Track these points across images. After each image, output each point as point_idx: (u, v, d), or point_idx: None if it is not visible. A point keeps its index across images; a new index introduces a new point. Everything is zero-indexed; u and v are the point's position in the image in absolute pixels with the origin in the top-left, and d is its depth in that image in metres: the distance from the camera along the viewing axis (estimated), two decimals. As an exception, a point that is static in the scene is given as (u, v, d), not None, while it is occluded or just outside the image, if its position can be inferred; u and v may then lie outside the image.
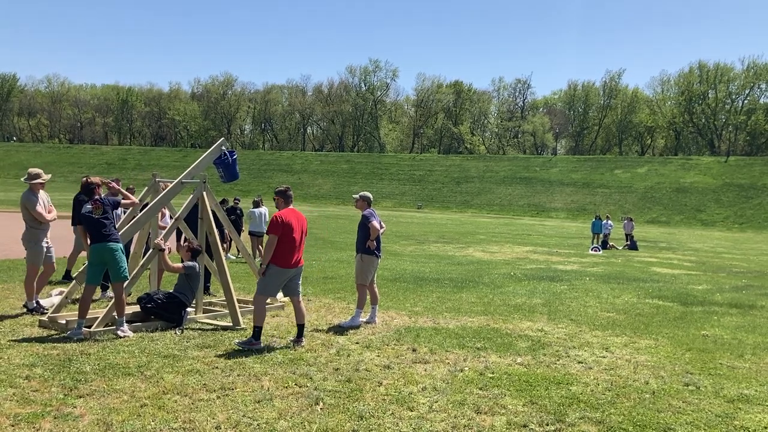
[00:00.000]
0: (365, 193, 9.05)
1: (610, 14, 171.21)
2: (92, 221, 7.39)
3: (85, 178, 7.93)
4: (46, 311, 8.27)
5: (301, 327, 7.32)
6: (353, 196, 9.18)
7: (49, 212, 8.54)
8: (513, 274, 15.23)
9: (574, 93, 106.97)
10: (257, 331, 7.04)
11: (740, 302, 12.19)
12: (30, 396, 5.13)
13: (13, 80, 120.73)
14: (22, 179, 8.58)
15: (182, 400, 5.18)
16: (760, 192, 69.65)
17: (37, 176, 8.46)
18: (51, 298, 8.97)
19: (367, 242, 8.60)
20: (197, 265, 8.41)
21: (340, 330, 8.10)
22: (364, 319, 8.63)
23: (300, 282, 7.57)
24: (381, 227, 8.84)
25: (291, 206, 7.46)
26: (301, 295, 7.55)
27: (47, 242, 8.60)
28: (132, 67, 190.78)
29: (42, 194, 8.58)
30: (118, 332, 7.24)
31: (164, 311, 7.94)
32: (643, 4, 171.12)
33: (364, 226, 8.71)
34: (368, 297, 8.85)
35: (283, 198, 7.44)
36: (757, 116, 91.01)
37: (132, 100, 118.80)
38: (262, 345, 6.99)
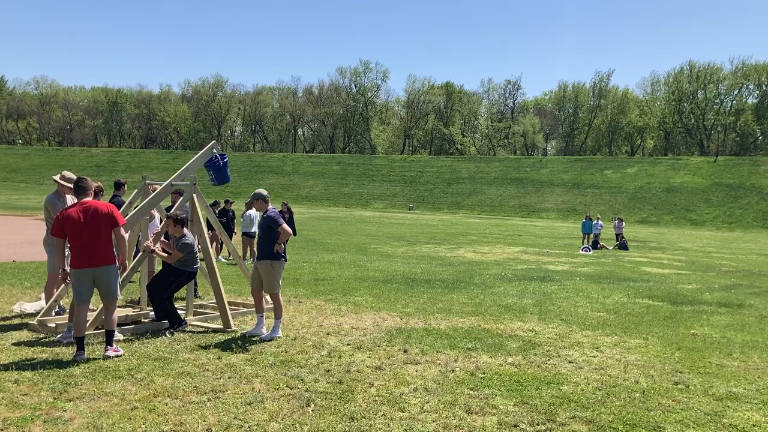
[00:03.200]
0: (259, 191, 8.08)
1: (601, 15, 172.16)
2: None
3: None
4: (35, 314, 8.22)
5: (109, 334, 6.60)
6: (252, 193, 8.28)
7: None
8: (504, 275, 15.27)
9: (563, 94, 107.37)
10: (79, 341, 6.45)
11: (729, 301, 12.27)
12: (19, 400, 5.10)
13: (0, 82, 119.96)
14: (55, 177, 8.42)
15: (173, 402, 5.16)
16: (748, 192, 70.13)
17: (69, 180, 8.21)
18: (40, 302, 8.92)
19: (275, 246, 7.74)
20: (190, 238, 8.12)
21: (330, 332, 8.10)
22: (262, 331, 7.77)
23: (110, 283, 6.65)
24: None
25: (87, 198, 6.74)
26: (115, 298, 6.76)
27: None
28: (121, 68, 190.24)
29: (69, 200, 8.40)
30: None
31: (175, 279, 7.99)
32: (634, 5, 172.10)
33: (270, 228, 7.77)
34: (253, 304, 8.29)
35: (75, 192, 6.85)
36: (745, 116, 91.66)
37: (122, 102, 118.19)
38: (86, 355, 6.40)
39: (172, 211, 8.85)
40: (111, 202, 12.03)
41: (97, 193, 7.72)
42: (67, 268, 6.73)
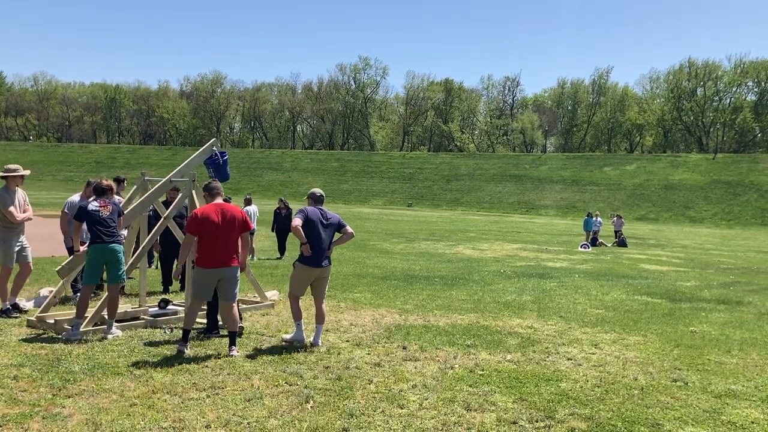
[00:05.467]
0: (312, 190, 7.79)
1: (600, 12, 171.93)
2: (98, 220, 7.30)
3: (100, 180, 7.86)
4: (23, 312, 8.19)
5: (232, 335, 6.74)
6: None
7: (24, 212, 8.44)
8: (503, 272, 15.27)
9: (562, 90, 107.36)
10: (185, 333, 6.65)
11: (728, 298, 12.28)
12: (18, 396, 5.10)
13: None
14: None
15: (172, 399, 5.16)
16: (747, 189, 70.20)
17: (15, 170, 8.32)
18: (39, 298, 8.91)
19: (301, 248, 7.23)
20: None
21: (329, 328, 8.09)
22: (310, 338, 7.33)
23: (232, 286, 6.83)
24: (320, 225, 7.25)
25: (218, 200, 6.96)
26: (236, 300, 6.88)
27: (21, 242, 8.51)
28: (120, 64, 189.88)
29: (19, 192, 8.44)
30: (108, 335, 7.17)
31: None
32: (634, 2, 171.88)
33: None
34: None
35: (207, 192, 7.08)
36: (744, 114, 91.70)
37: (120, 98, 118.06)
38: (187, 350, 6.52)
39: (170, 209, 8.84)
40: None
41: (107, 191, 7.65)
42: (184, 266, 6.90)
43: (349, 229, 7.49)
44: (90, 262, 7.34)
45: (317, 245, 7.15)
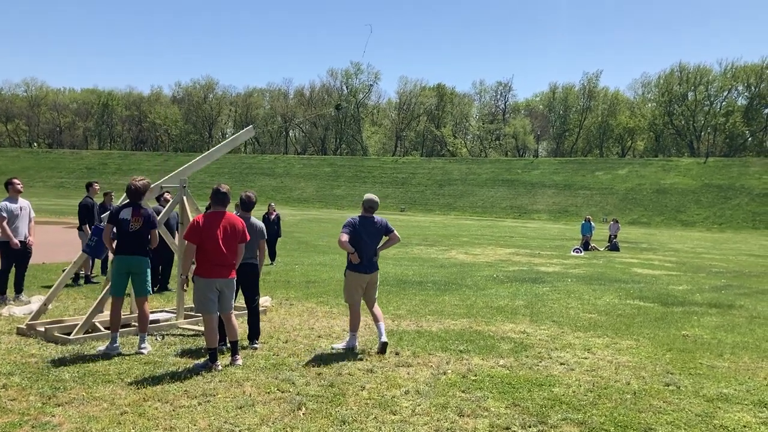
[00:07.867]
0: (368, 196, 7.55)
1: (593, 17, 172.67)
2: (128, 232, 7.05)
3: (134, 184, 7.27)
4: None
5: (234, 344, 6.61)
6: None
7: None
8: (495, 277, 15.28)
9: (553, 95, 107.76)
10: (212, 353, 6.39)
11: (720, 302, 12.33)
12: (7, 405, 5.05)
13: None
14: None
15: (163, 406, 5.13)
16: (738, 193, 70.56)
17: None
18: (30, 305, 8.86)
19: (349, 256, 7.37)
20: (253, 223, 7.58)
21: (322, 334, 8.07)
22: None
23: (229, 298, 6.68)
24: (364, 237, 7.33)
25: (220, 209, 6.66)
26: (232, 310, 6.75)
27: None
28: (111, 70, 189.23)
29: None
30: (141, 350, 6.88)
31: (257, 276, 7.67)
32: (626, 6, 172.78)
33: None
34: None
35: (216, 199, 6.70)
36: (734, 118, 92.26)
37: (112, 104, 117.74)
38: (220, 366, 6.34)
39: (161, 215, 8.80)
40: (81, 204, 12.10)
41: (143, 193, 7.41)
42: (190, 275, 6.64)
43: (396, 234, 7.62)
44: (118, 274, 7.07)
45: (364, 252, 7.31)
